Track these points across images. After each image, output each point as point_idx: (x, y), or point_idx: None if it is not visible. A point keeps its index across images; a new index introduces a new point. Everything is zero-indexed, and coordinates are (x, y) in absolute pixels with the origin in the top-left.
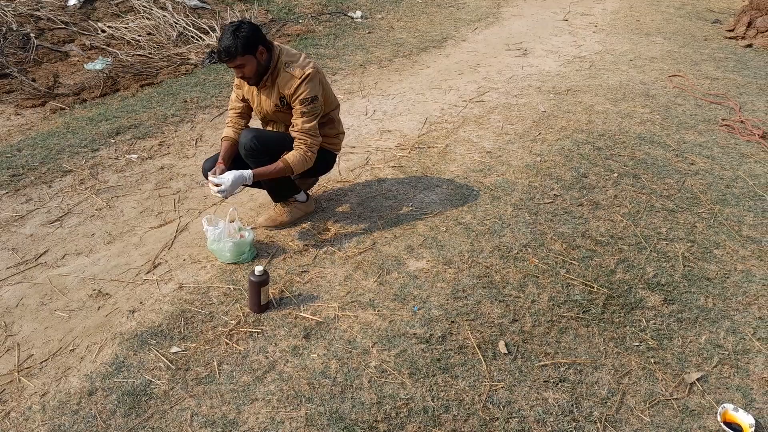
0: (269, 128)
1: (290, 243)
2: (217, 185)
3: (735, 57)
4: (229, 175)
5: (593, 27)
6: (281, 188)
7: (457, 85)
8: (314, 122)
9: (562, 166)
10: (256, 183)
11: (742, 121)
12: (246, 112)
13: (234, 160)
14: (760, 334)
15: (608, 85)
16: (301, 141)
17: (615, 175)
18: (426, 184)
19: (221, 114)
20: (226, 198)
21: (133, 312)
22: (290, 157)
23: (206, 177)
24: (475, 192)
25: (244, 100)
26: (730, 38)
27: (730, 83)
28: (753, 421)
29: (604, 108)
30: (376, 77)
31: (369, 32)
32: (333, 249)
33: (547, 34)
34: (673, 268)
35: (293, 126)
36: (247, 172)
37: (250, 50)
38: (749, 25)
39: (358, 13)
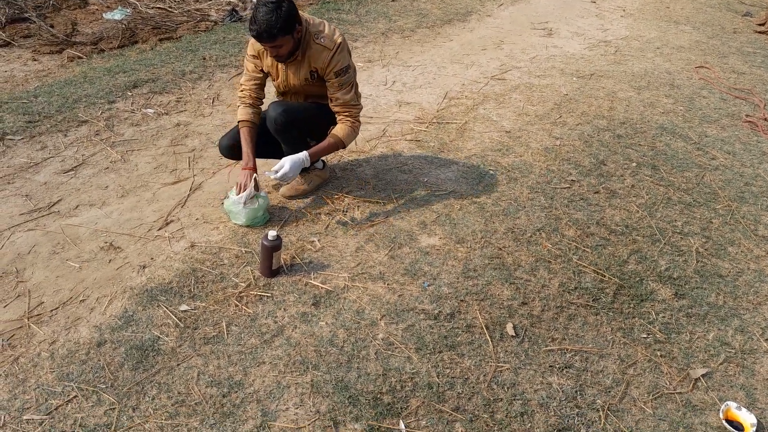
0: (287, 100)
1: (303, 210)
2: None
3: (764, 52)
4: (287, 162)
5: (621, 11)
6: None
7: (479, 60)
8: (353, 91)
9: (581, 152)
10: (272, 152)
11: (766, 119)
12: (264, 84)
13: (259, 142)
14: None
15: (633, 72)
16: (346, 114)
17: (634, 164)
18: (442, 161)
19: (239, 74)
20: (288, 182)
21: (144, 267)
22: (340, 131)
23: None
24: (491, 172)
25: (262, 71)
26: (760, 32)
27: (757, 79)
28: (755, 421)
29: (627, 95)
30: (398, 47)
31: (392, 0)
32: (346, 219)
33: (574, 16)
34: (686, 263)
35: (333, 101)
36: (303, 155)
37: (289, 30)
38: None
39: None
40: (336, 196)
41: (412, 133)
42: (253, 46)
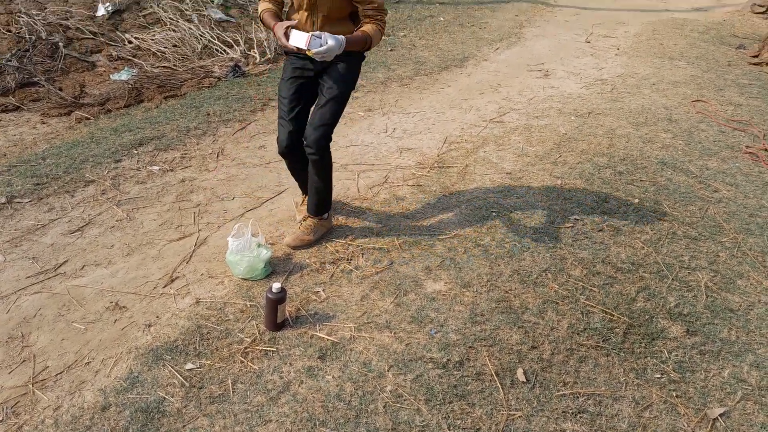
0: (305, 15)
1: (307, 260)
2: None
3: (759, 83)
4: (329, 38)
5: (615, 50)
6: (326, 197)
7: (477, 104)
8: None
9: (582, 190)
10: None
11: (766, 149)
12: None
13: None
14: None
15: (630, 109)
16: (378, 18)
17: (636, 200)
18: (445, 204)
19: (243, 128)
20: (324, 59)
21: (149, 326)
22: (370, 29)
23: (286, 42)
24: (494, 213)
25: None
26: (754, 64)
27: (754, 110)
28: None
29: (626, 132)
30: (397, 95)
31: (391, 50)
32: (350, 267)
33: (569, 56)
34: (695, 298)
35: (366, 4)
36: (341, 38)
37: None
38: None
39: None
40: (340, 244)
41: (413, 178)
42: None
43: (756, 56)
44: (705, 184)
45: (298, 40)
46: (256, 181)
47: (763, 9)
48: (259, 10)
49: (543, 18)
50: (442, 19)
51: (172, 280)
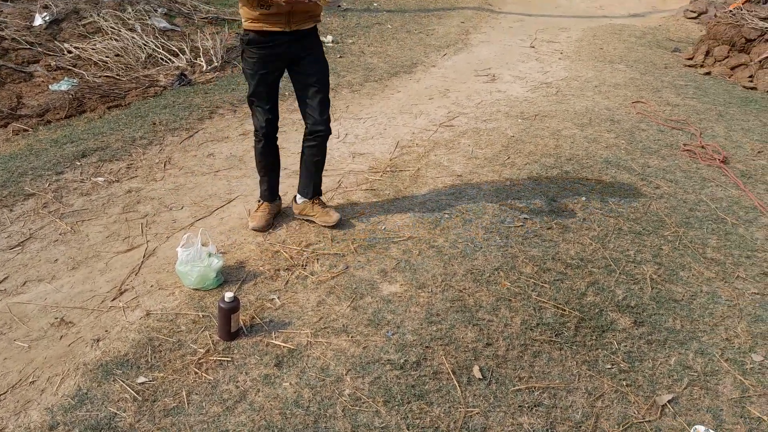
0: None
1: (261, 268)
2: None
3: (694, 84)
4: None
5: (559, 54)
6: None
7: (427, 109)
8: None
9: (531, 190)
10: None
11: (702, 146)
12: None
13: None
14: (727, 355)
15: (575, 111)
16: None
17: (583, 198)
18: (399, 208)
19: (191, 136)
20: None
21: (98, 341)
22: None
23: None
24: (447, 215)
25: None
26: (689, 66)
27: (690, 109)
28: None
29: (571, 133)
30: (348, 101)
31: (340, 57)
32: (305, 273)
33: (515, 61)
34: (641, 291)
35: None
36: None
37: None
38: (707, 53)
39: (329, 38)
40: (295, 250)
41: (367, 183)
42: None
43: (691, 58)
44: (647, 181)
45: None
46: (206, 189)
47: (695, 14)
48: None
49: (488, 24)
50: (389, 26)
51: (121, 293)
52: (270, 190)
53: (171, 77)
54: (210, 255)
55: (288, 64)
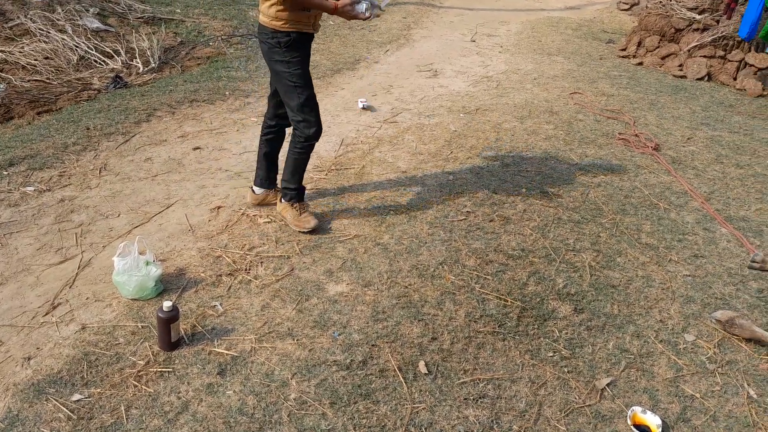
0: None
1: (202, 274)
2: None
3: (628, 74)
4: None
5: (499, 48)
6: None
7: (371, 105)
8: None
9: (473, 184)
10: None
11: (636, 135)
12: None
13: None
14: (661, 336)
15: (514, 103)
16: None
17: (523, 189)
18: (344, 206)
19: (127, 141)
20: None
21: (29, 359)
22: None
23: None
24: (392, 212)
25: None
26: (623, 57)
27: (624, 99)
28: (660, 422)
29: (512, 125)
30: None
31: None
32: (249, 278)
33: (456, 55)
34: (581, 278)
35: None
36: None
37: None
38: (639, 44)
39: None
40: (238, 254)
41: (311, 182)
42: None
43: (624, 49)
44: (585, 170)
45: (365, 7)
46: (143, 195)
47: (628, 6)
48: None
49: (429, 19)
50: (331, 22)
51: (54, 307)
52: (303, 192)
53: (105, 80)
54: (148, 263)
55: None
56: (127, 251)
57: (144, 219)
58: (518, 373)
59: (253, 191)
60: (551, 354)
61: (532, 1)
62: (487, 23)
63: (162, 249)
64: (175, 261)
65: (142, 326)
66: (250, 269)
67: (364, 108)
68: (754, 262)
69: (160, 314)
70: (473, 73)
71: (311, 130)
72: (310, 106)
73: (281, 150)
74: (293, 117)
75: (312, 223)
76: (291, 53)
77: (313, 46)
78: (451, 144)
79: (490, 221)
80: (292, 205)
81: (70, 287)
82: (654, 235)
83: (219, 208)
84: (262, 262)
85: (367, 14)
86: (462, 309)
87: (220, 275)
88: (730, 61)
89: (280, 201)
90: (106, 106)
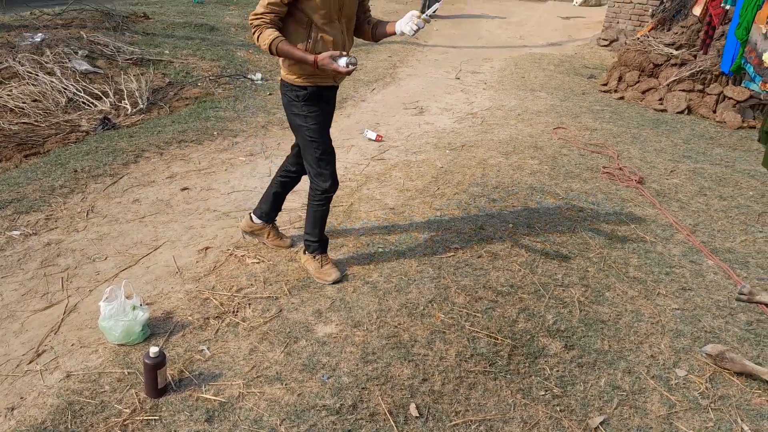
0: (341, 26)
1: (189, 317)
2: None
3: (610, 109)
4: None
5: (483, 84)
6: None
7: (358, 143)
8: None
9: (461, 220)
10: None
11: (620, 168)
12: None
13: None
14: (653, 372)
15: (499, 139)
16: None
17: (510, 225)
18: (333, 244)
19: (115, 182)
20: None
21: (12, 410)
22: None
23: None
24: (380, 249)
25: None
26: (604, 91)
27: (608, 133)
28: None
29: (497, 161)
30: (279, 138)
31: (270, 94)
32: (236, 320)
33: (441, 93)
34: (570, 314)
35: (365, 7)
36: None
37: None
38: (620, 79)
39: (259, 75)
40: (225, 296)
41: (300, 221)
42: None
43: (605, 84)
44: (570, 204)
45: (345, 62)
46: (131, 237)
47: (608, 42)
48: (268, 40)
49: (415, 58)
50: None
51: (39, 355)
52: (326, 244)
53: (94, 122)
54: (135, 308)
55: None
56: (114, 295)
57: (131, 262)
58: (510, 413)
59: (250, 218)
60: (543, 392)
61: (515, 38)
62: (471, 60)
63: (149, 292)
64: (163, 304)
65: (129, 372)
66: (237, 311)
67: (371, 138)
68: (741, 294)
69: (146, 360)
70: (458, 109)
71: (327, 184)
72: (327, 160)
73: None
74: (309, 170)
75: (334, 275)
76: (309, 107)
77: None
78: (438, 180)
79: (479, 257)
80: (314, 257)
81: (55, 333)
82: (642, 269)
83: (207, 249)
84: (250, 304)
85: (349, 68)
86: (452, 348)
87: (208, 318)
88: (709, 94)
89: (304, 253)
90: (94, 148)
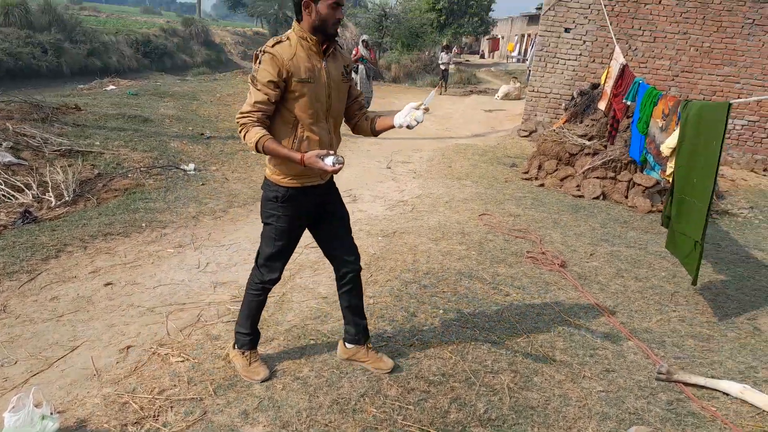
0: (328, 125)
1: (105, 425)
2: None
3: (532, 195)
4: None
5: (413, 173)
6: None
7: None
8: None
9: (392, 307)
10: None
11: (543, 253)
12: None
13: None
14: None
15: (429, 226)
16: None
17: (441, 311)
18: (263, 338)
19: (32, 279)
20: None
21: None
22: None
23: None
24: (312, 341)
25: (275, 100)
26: (526, 179)
27: (530, 219)
28: None
29: (427, 247)
30: (210, 228)
31: (202, 184)
32: (157, 425)
33: (374, 181)
34: (501, 401)
35: (355, 99)
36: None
37: None
38: (540, 167)
39: (191, 166)
40: (146, 399)
41: (229, 314)
42: (277, 66)
43: (526, 173)
44: (497, 289)
45: (333, 161)
46: (46, 338)
47: (527, 133)
48: (255, 138)
49: (348, 149)
50: (254, 153)
51: None
52: (257, 339)
53: (14, 215)
54: (44, 417)
55: (316, 214)
56: (21, 404)
57: (44, 365)
58: None
59: (344, 345)
60: None
61: (442, 129)
62: (402, 151)
63: (62, 398)
64: (76, 411)
65: None
66: (158, 415)
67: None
68: (660, 374)
69: None
70: (390, 197)
71: (272, 276)
72: (280, 258)
73: (348, 302)
74: (258, 258)
75: (262, 374)
76: (284, 209)
77: (234, 175)
78: (371, 267)
79: (410, 345)
80: (242, 353)
81: None
82: (567, 352)
83: (128, 347)
84: (172, 407)
85: (336, 167)
86: None
87: (126, 424)
88: (620, 181)
89: (233, 347)
90: (11, 243)
